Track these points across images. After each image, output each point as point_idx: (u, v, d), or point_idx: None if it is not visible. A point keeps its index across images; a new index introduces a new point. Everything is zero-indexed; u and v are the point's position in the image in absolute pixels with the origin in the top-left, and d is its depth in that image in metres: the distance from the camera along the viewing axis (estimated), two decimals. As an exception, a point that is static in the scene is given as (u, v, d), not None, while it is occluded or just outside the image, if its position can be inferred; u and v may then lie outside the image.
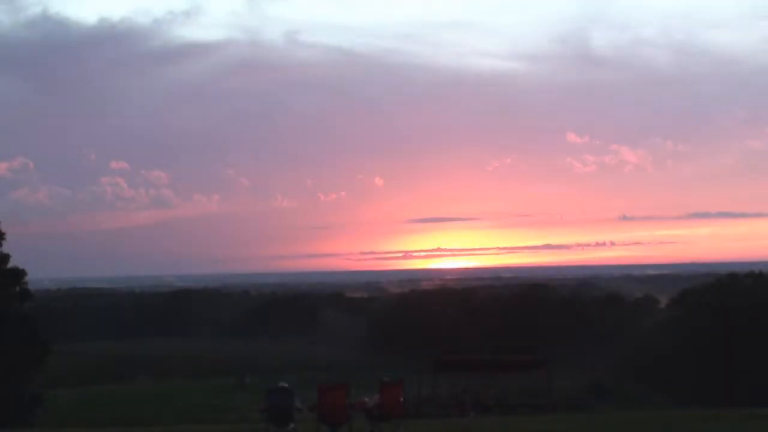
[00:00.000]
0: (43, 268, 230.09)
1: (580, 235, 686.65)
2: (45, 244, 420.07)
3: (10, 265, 41.06)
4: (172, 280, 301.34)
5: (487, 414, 32.40)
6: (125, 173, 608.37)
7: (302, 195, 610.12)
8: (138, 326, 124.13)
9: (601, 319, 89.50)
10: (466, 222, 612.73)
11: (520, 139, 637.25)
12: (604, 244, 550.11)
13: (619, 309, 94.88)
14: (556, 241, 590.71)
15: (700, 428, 18.95)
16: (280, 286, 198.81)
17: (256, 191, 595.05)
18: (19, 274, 41.13)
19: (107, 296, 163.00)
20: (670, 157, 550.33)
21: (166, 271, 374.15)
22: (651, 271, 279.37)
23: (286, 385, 15.35)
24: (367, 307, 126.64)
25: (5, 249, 41.50)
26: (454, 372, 43.35)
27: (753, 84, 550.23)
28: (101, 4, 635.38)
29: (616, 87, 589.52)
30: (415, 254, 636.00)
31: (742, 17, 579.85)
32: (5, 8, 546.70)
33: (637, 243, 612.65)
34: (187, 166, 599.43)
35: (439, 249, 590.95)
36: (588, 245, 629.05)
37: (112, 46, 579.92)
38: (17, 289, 41.15)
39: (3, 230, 41.60)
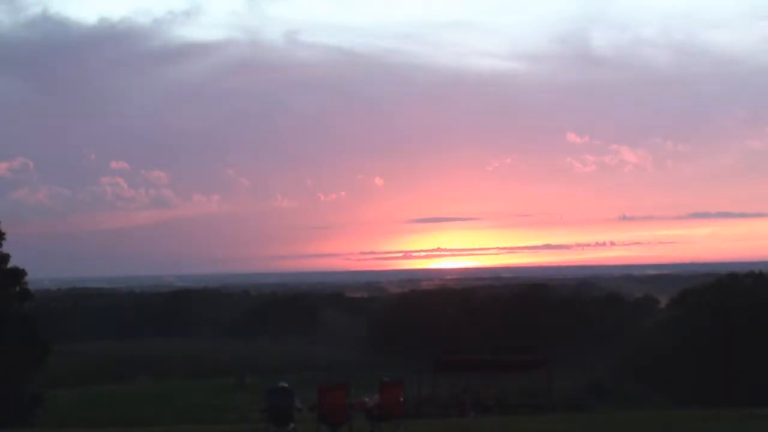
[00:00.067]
0: (43, 268, 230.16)
1: (580, 235, 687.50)
2: (45, 244, 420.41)
3: (10, 265, 41.06)
4: (172, 280, 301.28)
5: (487, 414, 32.40)
6: (125, 173, 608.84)
7: (302, 195, 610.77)
8: (138, 326, 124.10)
9: (601, 319, 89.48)
10: (466, 222, 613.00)
11: (520, 139, 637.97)
12: (604, 244, 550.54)
13: (619, 309, 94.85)
14: (556, 241, 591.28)
15: (700, 428, 18.95)
16: (280, 286, 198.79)
17: (256, 191, 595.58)
18: (19, 274, 41.12)
19: (107, 296, 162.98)
20: (670, 157, 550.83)
21: (166, 271, 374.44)
22: (651, 271, 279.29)
23: (286, 385, 15.35)
24: (367, 307, 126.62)
25: (5, 249, 41.50)
26: (454, 372, 43.33)
27: (753, 84, 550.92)
28: (101, 4, 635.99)
29: (616, 87, 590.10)
30: (415, 254, 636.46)
31: (742, 17, 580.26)
32: (5, 8, 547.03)
33: (637, 243, 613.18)
34: (187, 166, 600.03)
35: (439, 249, 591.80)
36: (588, 245, 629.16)
37: (112, 46, 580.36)
38: (17, 289, 41.14)
39: (3, 230, 41.63)
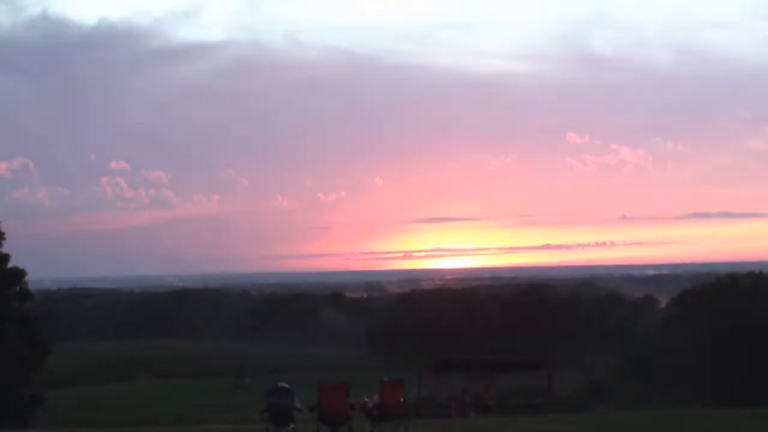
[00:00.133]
0: (43, 268, 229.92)
1: (580, 235, 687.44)
2: (45, 244, 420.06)
3: (10, 265, 41.04)
4: (172, 280, 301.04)
5: (487, 414, 32.37)
6: (125, 173, 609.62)
7: (302, 195, 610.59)
8: (138, 326, 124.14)
9: (601, 319, 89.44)
10: (466, 222, 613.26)
11: (520, 139, 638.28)
12: (604, 244, 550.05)
13: (619, 309, 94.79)
14: (556, 241, 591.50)
15: (701, 428, 18.94)
16: (280, 286, 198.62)
17: (256, 191, 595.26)
18: (19, 274, 41.09)
19: (107, 296, 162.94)
20: (670, 157, 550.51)
21: (166, 271, 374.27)
22: (651, 271, 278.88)
23: (286, 385, 15.34)
24: (367, 307, 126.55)
25: (5, 249, 41.46)
26: (454, 372, 43.29)
27: (753, 84, 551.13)
28: (101, 4, 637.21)
29: (616, 87, 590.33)
30: (415, 254, 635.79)
31: (743, 17, 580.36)
32: (5, 8, 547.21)
33: (637, 243, 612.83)
34: (187, 166, 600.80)
35: (439, 249, 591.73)
36: (588, 245, 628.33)
37: (112, 47, 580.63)
38: (17, 289, 41.11)
39: (3, 230, 41.61)
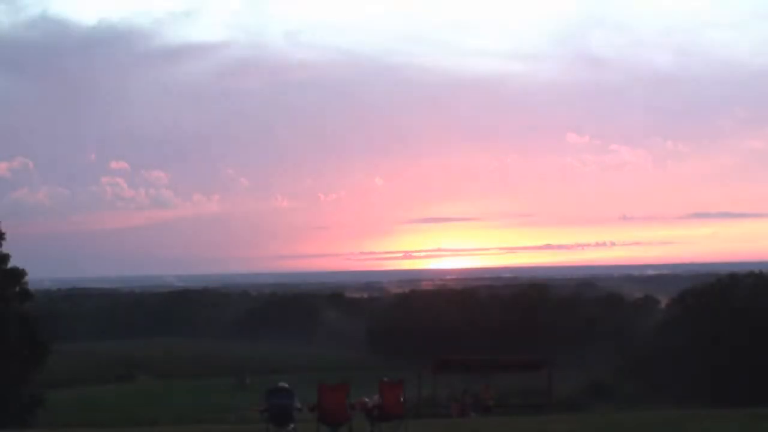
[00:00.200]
0: (43, 268, 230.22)
1: (580, 235, 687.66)
2: (45, 244, 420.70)
3: (10, 265, 41.06)
4: (172, 280, 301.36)
5: (487, 414, 32.35)
6: (125, 173, 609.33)
7: (302, 195, 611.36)
8: (138, 326, 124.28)
9: (601, 319, 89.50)
10: (466, 222, 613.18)
11: (520, 139, 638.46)
12: (604, 244, 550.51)
13: (619, 309, 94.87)
14: (556, 241, 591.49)
15: (701, 428, 18.94)
16: (280, 286, 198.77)
17: (256, 191, 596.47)
18: (19, 274, 41.13)
19: (107, 296, 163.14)
20: (670, 157, 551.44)
21: (166, 271, 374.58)
22: (651, 271, 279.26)
23: (286, 385, 15.33)
24: (367, 308, 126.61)
25: (5, 249, 41.53)
26: (454, 372, 43.29)
27: (753, 84, 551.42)
28: (101, 4, 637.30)
29: (616, 87, 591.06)
30: (415, 254, 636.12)
31: (743, 17, 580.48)
32: (5, 8, 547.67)
33: (637, 243, 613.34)
34: (187, 166, 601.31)
35: (439, 249, 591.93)
36: (588, 245, 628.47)
37: (112, 47, 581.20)
38: (17, 289, 41.15)
39: (3, 230, 41.64)
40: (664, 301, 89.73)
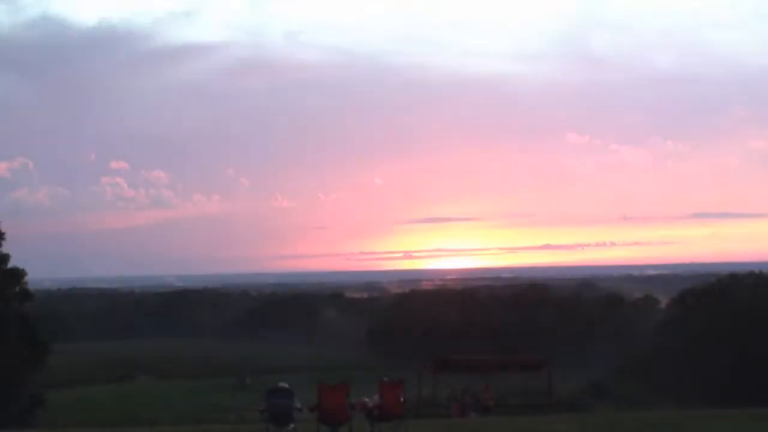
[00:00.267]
0: (43, 268, 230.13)
1: (580, 235, 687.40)
2: (45, 244, 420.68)
3: (10, 265, 41.05)
4: (172, 280, 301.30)
5: (487, 414, 32.35)
6: (125, 173, 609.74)
7: (302, 195, 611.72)
8: (138, 326, 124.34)
9: (601, 319, 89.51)
10: (466, 222, 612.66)
11: (520, 139, 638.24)
12: (604, 244, 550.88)
13: (619, 309, 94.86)
14: (556, 241, 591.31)
15: (701, 428, 18.93)
16: (280, 286, 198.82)
17: (256, 191, 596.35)
18: (19, 274, 41.11)
19: (107, 296, 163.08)
20: (670, 157, 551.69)
21: (166, 271, 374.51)
22: (651, 271, 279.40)
23: (286, 385, 15.32)
24: (367, 308, 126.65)
25: (5, 249, 41.51)
26: (454, 372, 43.30)
27: (754, 84, 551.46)
28: (101, 4, 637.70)
29: (616, 87, 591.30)
30: (415, 254, 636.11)
31: (743, 17, 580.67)
32: (5, 8, 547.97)
33: (637, 243, 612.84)
34: (187, 166, 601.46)
35: (439, 249, 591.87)
36: (588, 245, 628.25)
37: (112, 47, 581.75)
38: (17, 289, 41.13)
39: (3, 230, 41.63)
40: (664, 301, 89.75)
